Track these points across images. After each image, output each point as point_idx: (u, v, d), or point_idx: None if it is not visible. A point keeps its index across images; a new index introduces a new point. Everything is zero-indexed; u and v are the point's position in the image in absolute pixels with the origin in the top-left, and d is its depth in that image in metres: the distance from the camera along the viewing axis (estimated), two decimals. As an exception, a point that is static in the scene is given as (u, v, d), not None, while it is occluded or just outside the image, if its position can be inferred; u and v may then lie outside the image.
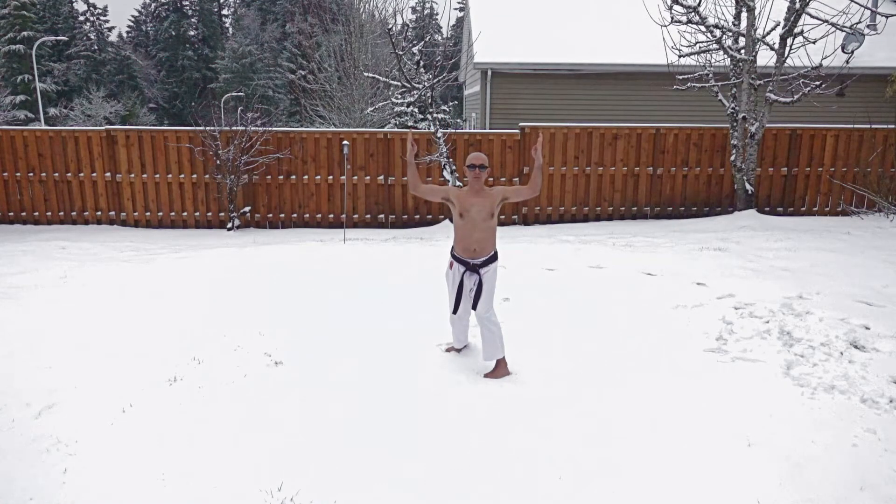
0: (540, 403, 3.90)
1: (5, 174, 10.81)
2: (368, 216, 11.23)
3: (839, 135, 11.10)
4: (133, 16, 60.15)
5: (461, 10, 23.13)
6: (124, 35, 59.35)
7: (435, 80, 10.98)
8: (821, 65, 10.06)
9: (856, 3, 10.09)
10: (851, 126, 11.01)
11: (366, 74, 16.83)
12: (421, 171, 11.03)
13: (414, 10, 60.36)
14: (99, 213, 11.02)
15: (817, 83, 10.05)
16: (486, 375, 4.29)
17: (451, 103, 24.61)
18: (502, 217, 11.20)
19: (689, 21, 10.37)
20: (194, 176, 10.94)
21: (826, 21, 9.76)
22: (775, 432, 3.48)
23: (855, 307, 5.12)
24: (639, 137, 11.12)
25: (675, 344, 4.68)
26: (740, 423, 3.58)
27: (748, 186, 10.59)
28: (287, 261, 7.15)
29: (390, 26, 15.14)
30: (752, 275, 6.13)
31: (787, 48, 10.11)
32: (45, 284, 6.24)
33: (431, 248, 7.92)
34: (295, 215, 11.19)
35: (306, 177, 11.04)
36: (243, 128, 10.69)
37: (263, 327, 5.03)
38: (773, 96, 10.12)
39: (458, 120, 22.29)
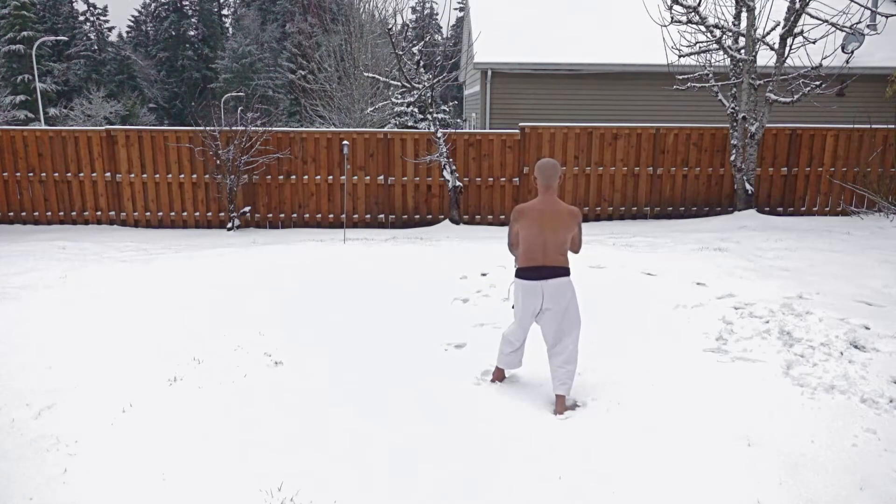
0: (538, 403, 3.91)
1: (5, 174, 10.81)
2: (368, 216, 11.23)
3: (839, 135, 11.10)
4: (133, 16, 60.11)
5: (461, 10, 23.14)
6: (124, 35, 59.30)
7: (435, 80, 10.99)
8: (821, 65, 10.06)
9: (856, 3, 10.09)
10: (851, 126, 11.01)
11: (366, 74, 16.83)
12: (421, 171, 11.04)
13: (414, 10, 60.35)
14: (99, 213, 11.02)
15: (817, 83, 10.04)
16: (491, 379, 4.29)
17: (451, 103, 24.60)
18: (501, 217, 11.21)
19: (689, 21, 10.37)
20: (194, 176, 10.94)
21: (826, 21, 9.76)
22: (775, 432, 3.48)
23: (855, 307, 5.11)
24: (639, 137, 11.12)
25: (675, 344, 4.68)
26: (740, 423, 3.58)
27: (748, 186, 10.58)
28: (287, 261, 7.15)
29: (390, 26, 15.14)
30: (752, 275, 6.13)
31: (787, 48, 10.10)
32: (45, 284, 6.24)
33: (431, 248, 7.92)
34: (295, 215, 11.19)
35: (306, 177, 11.04)
36: (243, 128, 10.68)
37: (263, 327, 5.03)
38: (773, 96, 10.11)
39: (458, 120, 22.30)
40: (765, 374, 4.15)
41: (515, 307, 4.00)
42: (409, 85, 10.97)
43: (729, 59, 10.42)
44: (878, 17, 12.78)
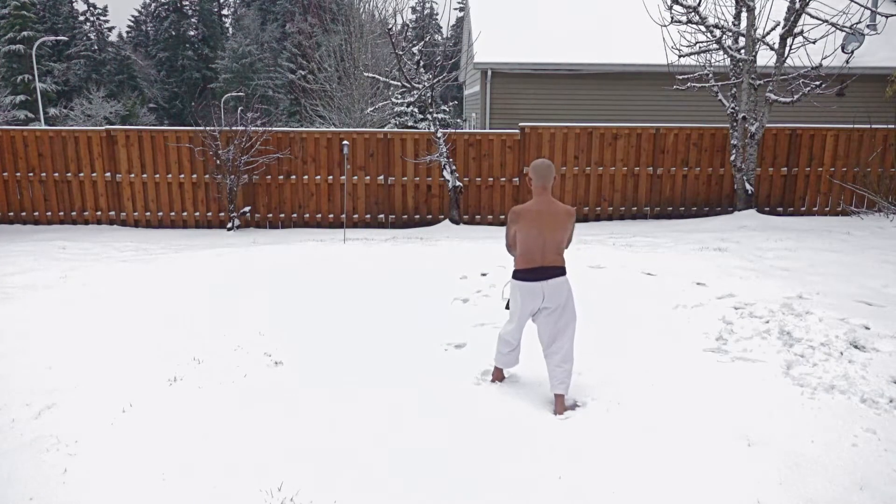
0: (538, 403, 3.91)
1: (5, 174, 10.81)
2: (368, 216, 11.23)
3: (839, 135, 11.10)
4: (133, 16, 60.18)
5: (461, 10, 23.14)
6: (124, 35, 59.35)
7: (435, 80, 10.99)
8: (821, 65, 10.06)
9: (856, 3, 10.09)
10: (851, 126, 11.01)
11: (366, 74, 16.84)
12: (421, 171, 11.03)
13: (414, 10, 60.36)
14: (99, 213, 11.02)
15: (817, 83, 10.04)
16: (491, 379, 4.29)
17: (451, 103, 24.60)
18: (501, 217, 11.21)
19: (689, 21, 10.37)
20: (194, 176, 10.94)
21: (826, 21, 9.76)
22: (775, 432, 3.48)
23: (855, 307, 5.11)
24: (639, 137, 11.13)
25: (675, 344, 4.67)
26: (740, 423, 3.58)
27: (748, 186, 10.58)
28: (287, 261, 7.15)
29: (390, 26, 15.15)
30: (752, 275, 6.12)
31: (787, 48, 10.10)
32: (45, 284, 6.24)
33: (431, 248, 7.92)
34: (295, 215, 11.19)
35: (306, 177, 11.04)
36: (243, 128, 10.68)
37: (263, 327, 5.03)
38: (773, 96, 10.11)
39: (458, 120, 22.30)
40: (765, 374, 4.15)
41: (512, 308, 4.00)
42: (409, 85, 10.97)
43: (729, 59, 10.42)
44: (878, 17, 12.79)
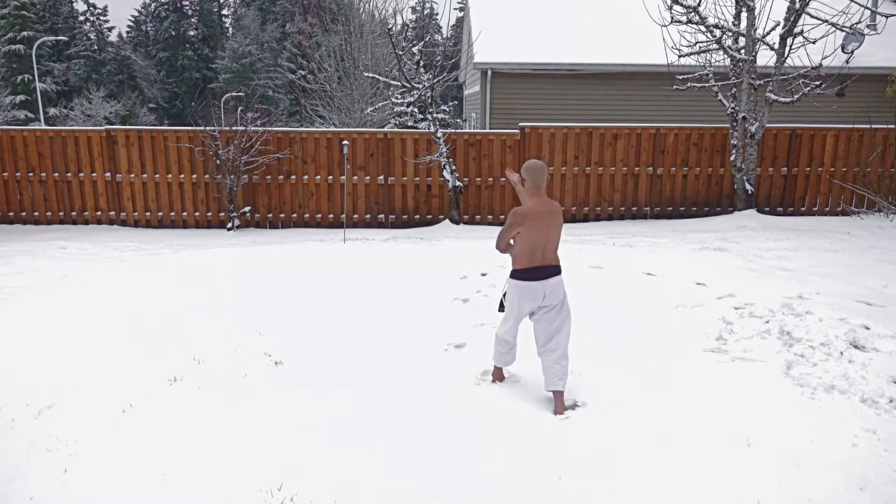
0: (538, 403, 3.91)
1: (5, 174, 10.81)
2: (368, 216, 11.23)
3: (839, 135, 11.10)
4: (133, 16, 60.09)
5: (461, 10, 23.14)
6: (124, 35, 59.30)
7: (435, 80, 10.99)
8: (821, 65, 10.06)
9: (856, 3, 10.09)
10: (851, 126, 11.01)
11: (366, 74, 16.84)
12: (421, 171, 11.03)
13: (414, 10, 60.34)
14: (99, 213, 11.02)
15: (817, 83, 10.04)
16: (492, 380, 4.29)
17: (451, 103, 24.60)
18: (501, 217, 11.21)
19: (689, 21, 10.37)
20: (194, 176, 10.94)
21: (826, 21, 9.76)
22: (775, 432, 3.48)
23: (855, 307, 5.11)
24: (639, 137, 11.12)
25: (675, 344, 4.68)
26: (740, 423, 3.58)
27: (748, 186, 10.59)
28: (287, 261, 7.15)
29: (390, 26, 15.16)
30: (752, 275, 6.13)
31: (787, 48, 10.10)
32: (45, 284, 6.24)
33: (431, 248, 7.92)
34: (295, 215, 11.18)
35: (306, 177, 11.04)
36: (243, 128, 10.68)
37: (263, 327, 5.03)
38: (773, 96, 10.11)
39: (458, 120, 22.29)
40: (765, 374, 4.15)
41: (508, 308, 4.01)
42: (409, 85, 10.97)
43: (729, 59, 10.42)
44: (878, 17, 12.78)
